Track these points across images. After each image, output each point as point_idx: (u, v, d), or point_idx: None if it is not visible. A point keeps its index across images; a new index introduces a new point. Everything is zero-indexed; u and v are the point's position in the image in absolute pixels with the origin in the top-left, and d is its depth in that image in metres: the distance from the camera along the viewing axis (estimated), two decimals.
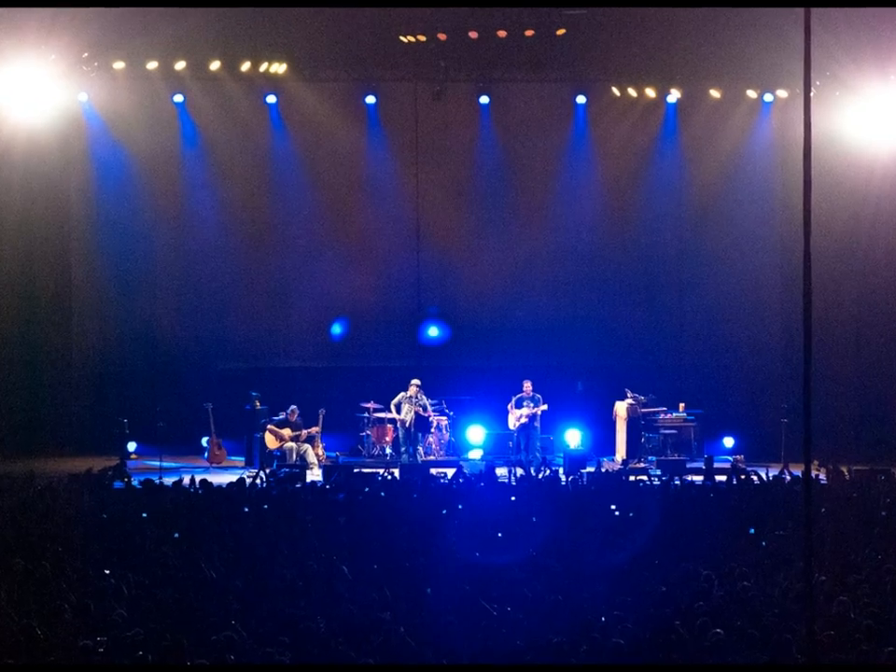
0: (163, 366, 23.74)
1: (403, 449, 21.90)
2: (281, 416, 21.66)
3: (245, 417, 22.22)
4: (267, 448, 21.37)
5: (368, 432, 22.42)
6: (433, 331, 24.25)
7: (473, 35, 22.08)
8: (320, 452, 21.60)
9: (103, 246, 23.80)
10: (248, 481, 17.04)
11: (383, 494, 16.26)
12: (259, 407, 22.18)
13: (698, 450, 22.08)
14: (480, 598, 10.89)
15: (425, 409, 21.89)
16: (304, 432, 21.49)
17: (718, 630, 10.03)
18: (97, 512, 14.75)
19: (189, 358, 23.92)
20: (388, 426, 22.24)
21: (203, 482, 16.55)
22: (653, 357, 24.27)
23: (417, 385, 21.98)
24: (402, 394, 21.95)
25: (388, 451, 22.24)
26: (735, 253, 24.29)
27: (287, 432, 21.47)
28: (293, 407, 21.60)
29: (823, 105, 21.96)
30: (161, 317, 23.91)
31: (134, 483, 17.57)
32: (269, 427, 21.49)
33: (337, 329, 24.05)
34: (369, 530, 13.98)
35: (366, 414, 22.43)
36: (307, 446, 21.40)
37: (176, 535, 13.74)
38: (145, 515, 14.67)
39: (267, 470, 18.50)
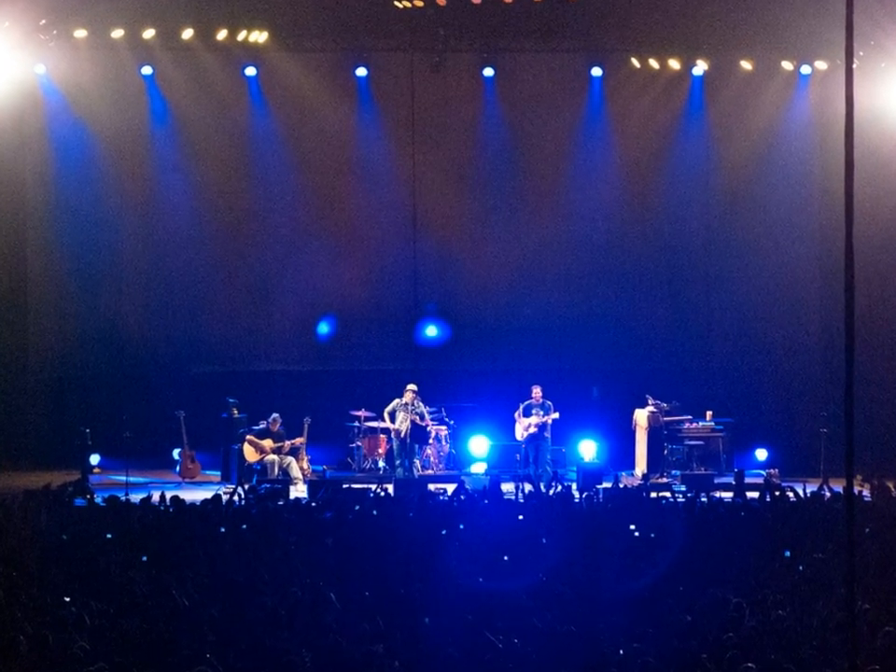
0: (130, 370, 23.74)
1: (398, 462, 21.89)
2: (261, 426, 21.64)
3: (221, 427, 22.23)
4: (246, 461, 21.32)
5: (358, 443, 22.37)
6: (431, 331, 24.22)
7: None
8: (305, 465, 21.58)
9: (62, 237, 23.76)
10: (225, 497, 17.03)
11: (375, 512, 16.24)
12: (236, 415, 22.17)
13: (727, 463, 22.08)
14: (484, 629, 10.86)
15: (422, 417, 21.85)
16: (287, 443, 21.46)
17: (750, 665, 10.01)
18: (56, 533, 14.69)
19: (159, 361, 23.92)
20: (381, 436, 22.21)
21: (175, 499, 16.54)
22: (677, 359, 24.29)
23: (414, 391, 21.96)
24: (397, 401, 21.93)
25: (381, 464, 22.23)
26: (769, 243, 24.26)
27: (268, 443, 21.43)
28: (275, 415, 21.57)
29: (867, 77, 21.80)
30: (128, 315, 23.90)
31: (98, 500, 17.54)
32: (248, 437, 21.45)
33: (324, 328, 24.03)
34: (359, 553, 13.87)
35: (356, 424, 22.39)
36: (290, 459, 21.35)
37: (145, 558, 13.68)
38: (109, 536, 14.61)
39: (246, 486, 18.52)
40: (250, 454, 21.38)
